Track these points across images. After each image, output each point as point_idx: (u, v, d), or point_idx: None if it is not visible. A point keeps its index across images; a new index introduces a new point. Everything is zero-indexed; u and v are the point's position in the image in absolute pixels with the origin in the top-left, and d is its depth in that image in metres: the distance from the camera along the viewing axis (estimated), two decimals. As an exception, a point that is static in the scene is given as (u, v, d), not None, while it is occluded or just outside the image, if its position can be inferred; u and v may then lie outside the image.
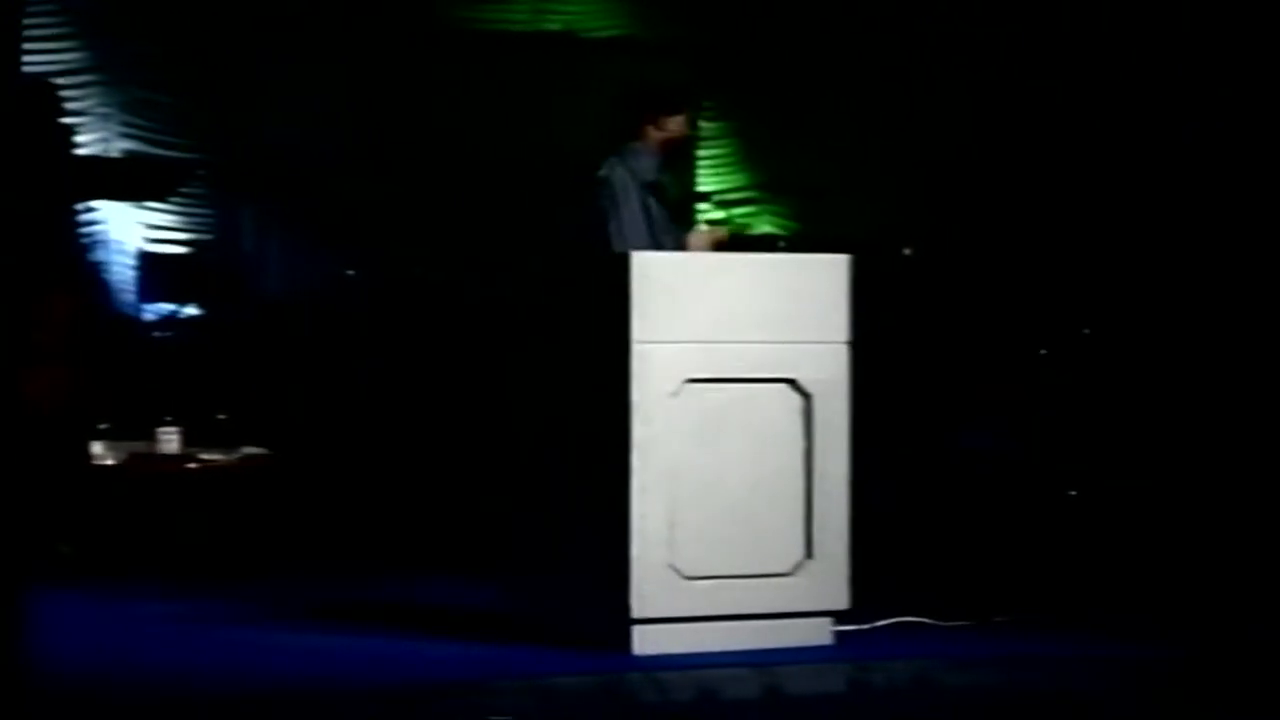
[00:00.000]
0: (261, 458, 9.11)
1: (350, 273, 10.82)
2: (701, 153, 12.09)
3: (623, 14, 12.14)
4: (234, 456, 9.06)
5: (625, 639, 6.22)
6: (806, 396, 6.46)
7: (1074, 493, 8.53)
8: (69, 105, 9.61)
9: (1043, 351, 9.06)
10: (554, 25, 11.97)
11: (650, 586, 6.23)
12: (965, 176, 10.77)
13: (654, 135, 7.72)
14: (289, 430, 9.56)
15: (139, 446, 8.98)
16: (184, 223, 11.09)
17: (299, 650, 6.47)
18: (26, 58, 5.37)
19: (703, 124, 12.13)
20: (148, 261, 10.86)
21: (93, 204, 10.59)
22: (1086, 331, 9.18)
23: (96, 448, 8.84)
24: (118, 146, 10.94)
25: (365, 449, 9.73)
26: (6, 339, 4.75)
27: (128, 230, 10.94)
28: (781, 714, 5.83)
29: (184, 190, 10.99)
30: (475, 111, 11.45)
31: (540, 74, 11.64)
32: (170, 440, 8.96)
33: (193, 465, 8.91)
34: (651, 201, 7.61)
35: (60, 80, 9.80)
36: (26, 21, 5.26)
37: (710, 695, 5.80)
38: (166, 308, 10.77)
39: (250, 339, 10.43)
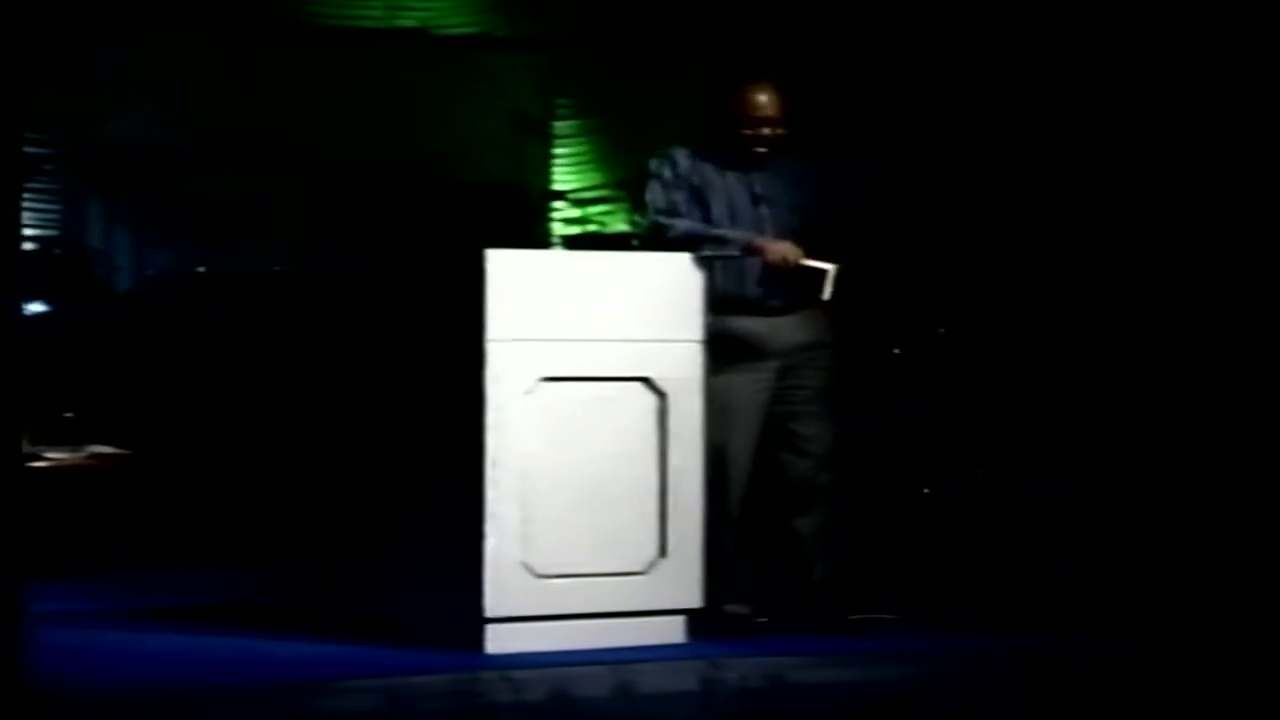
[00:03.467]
0: (109, 457, 8.99)
1: (201, 269, 10.70)
2: (557, 151, 12.08)
3: (478, 10, 12.11)
4: (81, 455, 8.94)
5: (478, 638, 6.19)
6: (661, 395, 6.45)
7: (927, 490, 8.57)
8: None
9: (895, 350, 9.10)
10: (408, 21, 11.92)
11: (503, 585, 6.20)
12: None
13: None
14: (137, 428, 9.44)
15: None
16: (30, 218, 10.93)
17: (144, 652, 6.38)
18: None
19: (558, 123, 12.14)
20: (-7, 257, 10.68)
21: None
22: (941, 331, 9.23)
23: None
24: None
25: (216, 448, 9.62)
26: None
27: (-28, 225, 10.76)
28: (635, 712, 5.82)
29: (30, 184, 10.83)
30: (329, 108, 11.37)
31: (394, 70, 11.59)
32: (15, 439, 8.80)
33: (39, 464, 8.78)
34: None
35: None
36: None
37: (563, 694, 5.78)
38: (12, 304, 10.60)
39: (98, 336, 10.28)
